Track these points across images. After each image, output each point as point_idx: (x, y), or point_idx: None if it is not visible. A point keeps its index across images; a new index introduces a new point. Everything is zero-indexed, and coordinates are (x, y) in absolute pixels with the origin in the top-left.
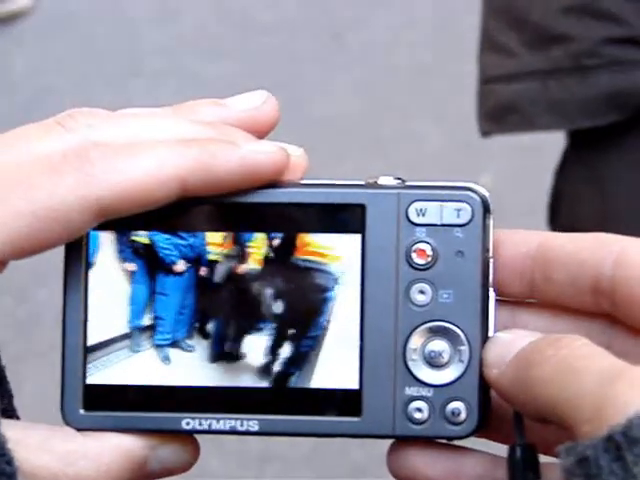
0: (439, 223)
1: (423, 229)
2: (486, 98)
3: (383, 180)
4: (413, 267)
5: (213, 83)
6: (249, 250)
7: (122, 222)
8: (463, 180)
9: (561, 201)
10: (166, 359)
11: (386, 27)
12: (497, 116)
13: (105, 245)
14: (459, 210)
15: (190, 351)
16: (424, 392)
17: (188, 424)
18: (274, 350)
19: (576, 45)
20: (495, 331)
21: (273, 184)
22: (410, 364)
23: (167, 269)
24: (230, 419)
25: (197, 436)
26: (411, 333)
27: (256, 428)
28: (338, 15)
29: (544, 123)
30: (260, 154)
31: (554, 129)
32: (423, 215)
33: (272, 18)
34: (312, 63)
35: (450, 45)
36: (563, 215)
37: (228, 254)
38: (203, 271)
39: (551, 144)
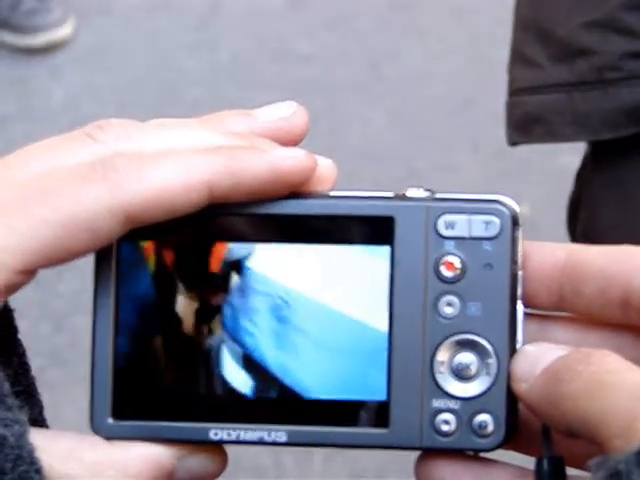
0: (468, 236)
1: (452, 242)
2: (514, 109)
3: (412, 192)
4: (441, 280)
5: None
6: (276, 262)
7: (151, 230)
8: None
9: (580, 206)
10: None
11: (422, 58)
12: (523, 127)
13: (135, 254)
14: (488, 223)
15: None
16: (451, 404)
17: (216, 434)
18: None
19: (598, 59)
20: (523, 344)
21: (301, 195)
22: (438, 376)
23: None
24: (258, 430)
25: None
26: (439, 345)
27: (284, 439)
28: (375, 46)
29: (568, 134)
30: (288, 159)
31: (577, 140)
32: (452, 228)
33: (309, 48)
34: (348, 93)
35: (486, 76)
36: (582, 220)
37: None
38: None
39: None
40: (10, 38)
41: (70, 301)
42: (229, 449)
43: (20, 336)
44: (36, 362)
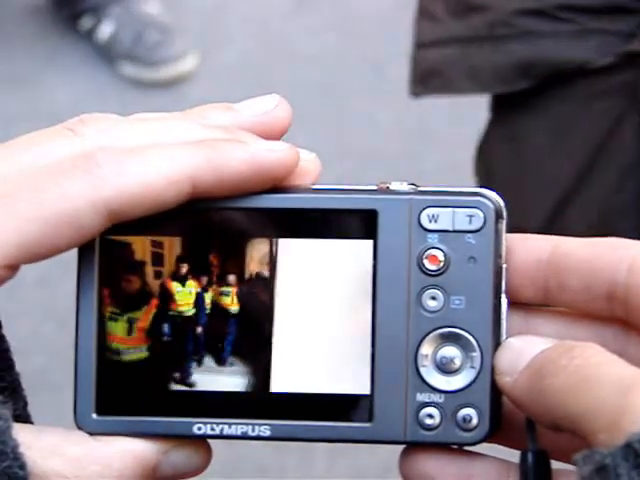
0: (451, 229)
1: (435, 235)
2: (417, 62)
3: (395, 185)
4: (425, 273)
5: None
6: (256, 257)
7: (134, 225)
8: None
9: (481, 157)
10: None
11: None
12: (424, 79)
13: (117, 249)
14: (471, 216)
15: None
16: (435, 398)
17: (200, 429)
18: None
19: (492, 15)
20: (507, 337)
21: (284, 189)
22: (422, 370)
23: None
24: (242, 424)
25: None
26: (423, 339)
27: (268, 433)
28: (380, 47)
29: (462, 87)
30: (270, 152)
31: (471, 93)
32: (435, 221)
33: (315, 50)
34: (353, 94)
35: None
36: (482, 170)
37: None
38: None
39: None
40: (133, 71)
41: (74, 301)
42: (233, 448)
43: (21, 335)
44: (40, 362)
